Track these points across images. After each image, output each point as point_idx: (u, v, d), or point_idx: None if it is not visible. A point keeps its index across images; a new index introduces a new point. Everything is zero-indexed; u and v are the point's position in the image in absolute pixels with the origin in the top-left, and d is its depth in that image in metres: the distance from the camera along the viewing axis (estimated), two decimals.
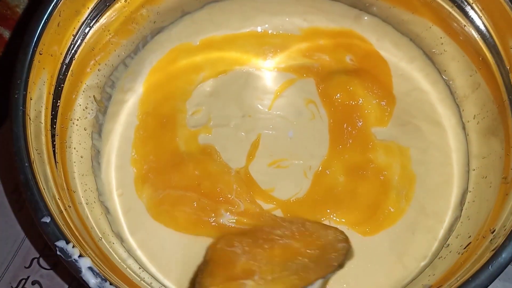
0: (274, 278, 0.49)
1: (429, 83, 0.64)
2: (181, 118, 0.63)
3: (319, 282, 0.49)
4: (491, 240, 0.47)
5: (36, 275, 0.61)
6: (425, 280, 0.53)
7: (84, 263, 0.44)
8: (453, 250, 0.54)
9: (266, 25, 0.66)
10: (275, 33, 0.66)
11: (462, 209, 0.58)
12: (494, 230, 0.47)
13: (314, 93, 0.64)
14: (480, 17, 0.56)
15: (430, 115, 0.62)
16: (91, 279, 0.43)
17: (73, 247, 0.44)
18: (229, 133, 0.63)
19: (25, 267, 0.61)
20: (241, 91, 0.65)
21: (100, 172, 0.61)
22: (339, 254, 0.51)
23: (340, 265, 0.50)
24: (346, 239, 0.53)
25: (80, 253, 0.44)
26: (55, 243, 0.44)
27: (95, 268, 0.44)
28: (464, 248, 0.51)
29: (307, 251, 0.52)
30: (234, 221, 0.58)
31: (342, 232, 0.54)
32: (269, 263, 0.51)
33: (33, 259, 0.62)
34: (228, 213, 0.58)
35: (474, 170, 0.59)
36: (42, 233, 0.44)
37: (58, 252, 0.44)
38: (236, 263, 0.51)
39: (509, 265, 0.43)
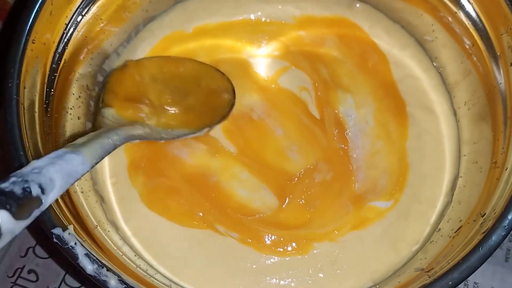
0: (167, 112, 0.54)
1: (421, 70, 0.64)
2: None
3: (205, 130, 0.55)
4: (481, 223, 0.47)
5: (32, 264, 0.61)
6: (417, 263, 0.54)
7: (81, 250, 0.44)
8: (445, 234, 0.54)
9: (259, 13, 0.66)
10: (268, 20, 0.66)
11: (453, 194, 0.58)
12: (485, 214, 0.48)
13: (307, 81, 0.64)
14: (471, 3, 0.56)
15: (423, 102, 0.63)
16: (88, 266, 0.44)
17: (69, 234, 0.44)
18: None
19: (20, 256, 0.62)
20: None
21: None
22: (225, 106, 0.57)
23: (224, 117, 0.56)
24: (231, 90, 0.58)
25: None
26: (52, 231, 0.44)
27: (91, 255, 0.44)
28: (455, 232, 0.52)
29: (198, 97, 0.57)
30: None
31: (230, 82, 0.58)
32: (167, 96, 0.56)
33: (28, 248, 0.62)
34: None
35: (465, 155, 0.59)
36: (39, 221, 0.44)
37: (54, 240, 0.44)
38: (137, 88, 0.55)
39: (498, 249, 0.44)
